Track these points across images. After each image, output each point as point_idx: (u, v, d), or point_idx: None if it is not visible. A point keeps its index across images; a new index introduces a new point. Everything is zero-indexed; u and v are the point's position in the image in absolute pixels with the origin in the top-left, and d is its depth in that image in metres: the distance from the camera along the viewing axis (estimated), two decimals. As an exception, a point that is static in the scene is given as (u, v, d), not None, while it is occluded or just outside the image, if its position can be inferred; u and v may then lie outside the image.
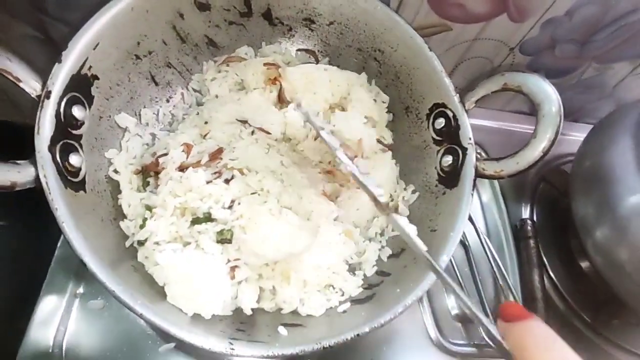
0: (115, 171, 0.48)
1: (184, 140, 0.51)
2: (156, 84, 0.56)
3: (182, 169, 0.48)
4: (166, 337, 0.54)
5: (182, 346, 0.54)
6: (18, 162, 0.37)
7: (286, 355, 0.42)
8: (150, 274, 0.44)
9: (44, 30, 0.65)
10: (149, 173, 0.48)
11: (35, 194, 0.49)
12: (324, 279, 0.48)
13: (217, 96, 0.58)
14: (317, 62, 0.65)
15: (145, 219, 0.45)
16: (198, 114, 0.57)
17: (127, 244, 0.46)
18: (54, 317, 0.53)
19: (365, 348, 0.61)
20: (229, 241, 0.43)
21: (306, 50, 0.64)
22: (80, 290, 0.56)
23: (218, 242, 0.44)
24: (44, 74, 0.42)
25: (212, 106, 0.56)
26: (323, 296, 0.47)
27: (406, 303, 0.43)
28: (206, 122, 0.55)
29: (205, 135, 0.53)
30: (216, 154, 0.50)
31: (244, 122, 0.55)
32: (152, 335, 0.55)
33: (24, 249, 0.77)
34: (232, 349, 0.37)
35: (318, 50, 0.64)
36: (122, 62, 0.50)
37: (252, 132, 0.54)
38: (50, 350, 0.52)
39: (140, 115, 0.55)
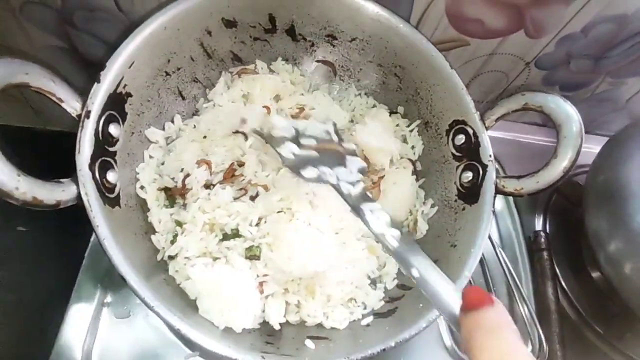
0: (142, 187, 0.50)
1: (188, 158, 0.51)
2: (183, 98, 0.58)
3: (207, 186, 0.50)
4: (191, 346, 0.56)
5: (206, 355, 0.56)
6: (61, 180, 0.38)
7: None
8: (180, 288, 0.46)
9: (69, 41, 0.67)
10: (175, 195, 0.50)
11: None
12: (347, 293, 0.49)
13: (214, 105, 0.58)
14: (335, 74, 0.66)
15: (175, 235, 0.47)
16: (195, 126, 0.56)
17: (159, 257, 0.47)
18: (83, 326, 0.55)
19: (382, 356, 0.62)
20: (257, 257, 0.45)
21: (324, 62, 0.66)
22: (108, 299, 0.57)
23: (247, 258, 0.45)
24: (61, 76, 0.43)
25: (210, 117, 0.56)
26: (346, 309, 0.49)
27: (430, 318, 0.44)
28: (205, 137, 0.55)
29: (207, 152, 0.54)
30: (230, 173, 0.51)
31: (243, 133, 0.55)
32: (176, 344, 0.57)
33: (46, 254, 0.79)
34: (265, 362, 0.38)
35: (339, 65, 0.65)
36: (153, 79, 0.51)
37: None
38: (80, 358, 0.53)
39: (164, 127, 0.56)
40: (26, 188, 0.34)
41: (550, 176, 0.49)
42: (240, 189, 0.49)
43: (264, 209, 0.47)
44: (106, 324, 0.56)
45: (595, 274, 0.75)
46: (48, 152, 0.79)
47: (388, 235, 0.40)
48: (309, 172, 0.45)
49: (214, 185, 0.49)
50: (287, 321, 0.48)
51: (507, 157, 0.82)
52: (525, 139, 0.87)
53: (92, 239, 0.61)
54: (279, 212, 0.47)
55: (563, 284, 0.75)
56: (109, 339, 0.55)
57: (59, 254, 0.75)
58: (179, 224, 0.48)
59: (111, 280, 0.58)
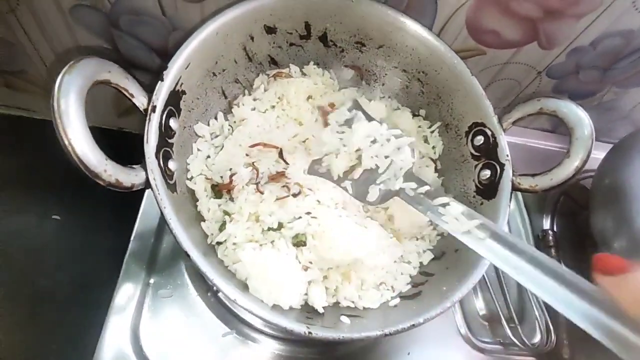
0: (191, 179, 0.55)
1: (236, 161, 0.56)
2: (225, 97, 0.63)
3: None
4: (228, 323, 0.61)
5: (241, 333, 0.61)
6: (134, 166, 0.43)
7: (348, 341, 0.47)
8: (229, 270, 0.51)
9: (112, 42, 0.72)
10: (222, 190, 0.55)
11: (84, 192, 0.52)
12: (379, 278, 0.54)
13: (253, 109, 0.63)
14: (362, 78, 0.71)
15: (224, 222, 0.52)
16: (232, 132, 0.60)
17: (208, 241, 0.52)
18: (130, 305, 0.59)
19: (403, 343, 0.67)
20: (304, 244, 0.50)
21: (352, 67, 0.71)
22: (152, 280, 0.62)
23: (293, 245, 0.50)
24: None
25: (253, 126, 0.61)
26: (377, 292, 0.54)
27: (453, 299, 0.49)
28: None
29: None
30: (277, 176, 0.56)
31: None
32: (214, 322, 0.61)
33: (83, 241, 0.83)
34: (310, 332, 0.43)
35: (366, 70, 0.70)
36: (202, 79, 0.57)
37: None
38: (129, 335, 0.58)
39: (209, 124, 0.61)
40: (112, 171, 0.39)
41: (563, 174, 0.54)
42: (284, 186, 0.54)
43: (306, 204, 0.52)
44: (150, 303, 0.60)
45: (600, 272, 0.80)
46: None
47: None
48: (373, 195, 0.51)
49: (258, 184, 0.54)
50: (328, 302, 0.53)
51: (518, 160, 0.85)
52: (535, 144, 0.92)
53: (136, 226, 0.65)
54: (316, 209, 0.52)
55: (569, 280, 0.80)
56: (154, 318, 0.60)
57: (95, 242, 0.79)
58: (227, 213, 0.53)
59: (155, 263, 0.63)
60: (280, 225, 0.51)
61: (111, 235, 0.75)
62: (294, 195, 0.53)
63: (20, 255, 0.81)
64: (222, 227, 0.52)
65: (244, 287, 0.48)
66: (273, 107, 0.64)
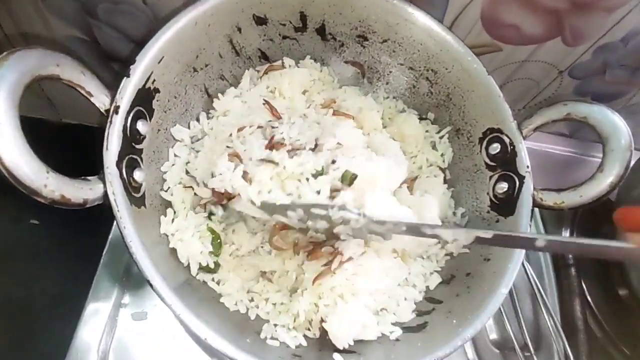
0: (168, 189, 0.48)
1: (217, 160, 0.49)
2: (209, 95, 0.56)
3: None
4: (209, 351, 0.54)
5: (223, 361, 0.54)
6: (88, 178, 0.37)
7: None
8: (204, 289, 0.44)
9: (90, 33, 0.66)
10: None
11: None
12: (379, 304, 0.47)
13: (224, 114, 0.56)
14: (364, 76, 0.64)
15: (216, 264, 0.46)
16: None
17: (194, 273, 0.46)
18: (99, 326, 0.53)
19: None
20: None
21: (353, 63, 0.64)
22: (125, 300, 0.56)
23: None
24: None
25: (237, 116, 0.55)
26: (375, 318, 0.46)
27: (465, 337, 0.42)
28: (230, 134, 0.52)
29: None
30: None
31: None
32: (194, 348, 0.55)
33: (60, 249, 0.78)
34: (294, 377, 0.36)
35: (368, 67, 0.63)
36: (181, 75, 0.50)
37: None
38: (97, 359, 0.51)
39: (190, 126, 0.55)
40: (55, 186, 0.32)
41: (594, 191, 0.47)
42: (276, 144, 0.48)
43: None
44: (123, 324, 0.54)
45: (622, 291, 0.73)
46: (66, 145, 0.78)
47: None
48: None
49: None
50: (314, 334, 0.46)
51: (532, 167, 0.79)
52: (551, 149, 0.85)
53: (110, 236, 0.59)
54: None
55: (590, 301, 0.73)
56: (126, 340, 0.54)
57: (74, 249, 0.74)
58: (213, 232, 0.46)
59: (129, 280, 0.57)
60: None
61: (90, 240, 0.70)
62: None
63: (-5, 263, 0.76)
64: (216, 250, 0.45)
65: (219, 312, 0.41)
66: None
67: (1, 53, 0.32)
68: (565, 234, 0.77)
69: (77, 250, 0.75)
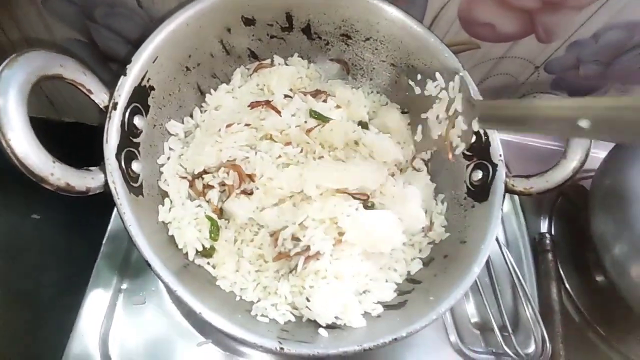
0: (165, 180, 0.51)
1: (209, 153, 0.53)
2: (202, 93, 0.59)
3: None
4: (205, 333, 0.58)
5: (218, 341, 0.58)
6: (90, 168, 0.40)
7: (326, 355, 0.44)
8: (199, 272, 0.47)
9: (88, 35, 0.69)
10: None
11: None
12: (362, 285, 0.50)
13: (216, 108, 0.59)
14: (348, 72, 0.68)
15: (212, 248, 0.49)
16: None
17: (183, 251, 0.49)
18: (100, 311, 0.57)
19: (388, 350, 0.64)
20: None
21: (338, 61, 0.67)
22: (124, 286, 0.59)
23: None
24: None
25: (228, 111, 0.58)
26: (357, 299, 0.50)
27: (439, 311, 0.46)
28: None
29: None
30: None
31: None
32: (189, 331, 0.58)
33: (61, 242, 0.80)
34: (282, 347, 0.40)
35: (352, 64, 0.67)
36: (174, 73, 0.53)
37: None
38: (97, 343, 0.55)
39: (183, 121, 0.58)
40: (60, 174, 0.36)
41: (559, 176, 0.50)
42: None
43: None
44: (122, 310, 0.57)
45: (599, 277, 0.76)
46: (66, 142, 0.81)
47: None
48: None
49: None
50: (300, 314, 0.50)
51: (513, 159, 0.82)
52: (531, 142, 0.88)
53: (109, 228, 0.62)
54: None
55: (567, 285, 0.76)
56: (125, 325, 0.57)
57: (75, 241, 0.76)
58: (210, 220, 0.50)
59: (128, 268, 0.60)
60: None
61: (91, 233, 0.73)
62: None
63: (-1, 256, 0.79)
64: (214, 235, 0.49)
65: (213, 291, 0.45)
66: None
67: (6, 55, 0.35)
68: (545, 221, 0.81)
69: (78, 242, 0.78)
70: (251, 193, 0.52)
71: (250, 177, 0.52)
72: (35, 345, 0.72)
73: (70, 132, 0.88)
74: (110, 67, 0.75)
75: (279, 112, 0.56)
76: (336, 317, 0.47)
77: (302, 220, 0.48)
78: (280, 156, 0.55)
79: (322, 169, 0.53)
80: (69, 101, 0.82)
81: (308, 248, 0.47)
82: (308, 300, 0.47)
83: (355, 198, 0.52)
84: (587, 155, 0.49)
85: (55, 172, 0.35)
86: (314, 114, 0.58)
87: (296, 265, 0.48)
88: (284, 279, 0.49)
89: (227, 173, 0.53)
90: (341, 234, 0.49)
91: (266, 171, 0.52)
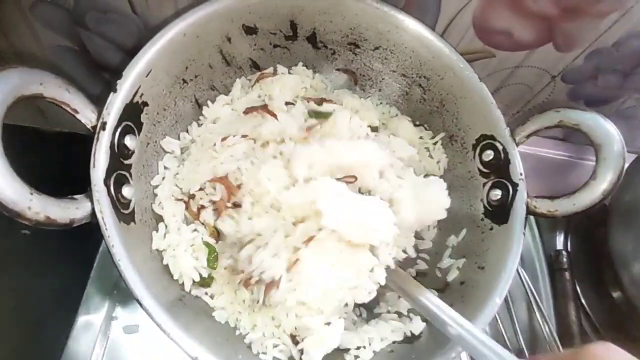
0: (159, 203, 0.47)
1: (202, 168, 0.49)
2: (199, 106, 0.55)
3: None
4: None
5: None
6: (75, 197, 0.36)
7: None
8: (195, 303, 0.43)
9: (79, 42, 0.65)
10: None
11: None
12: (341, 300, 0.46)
13: (214, 121, 0.55)
14: (356, 83, 0.64)
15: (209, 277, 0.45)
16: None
17: (187, 288, 0.45)
18: (91, 339, 0.53)
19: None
20: None
21: (345, 70, 0.63)
22: (116, 313, 0.55)
23: None
24: (75, 84, 0.40)
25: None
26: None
27: (458, 349, 0.42)
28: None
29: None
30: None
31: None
32: (186, 362, 0.54)
33: (51, 260, 0.77)
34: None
35: (360, 74, 0.63)
36: (170, 87, 0.49)
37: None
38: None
39: (179, 137, 0.54)
40: (39, 207, 0.32)
41: (588, 199, 0.46)
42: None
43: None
44: (115, 338, 0.54)
45: (616, 294, 0.74)
46: (57, 154, 0.77)
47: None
48: None
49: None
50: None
51: (526, 171, 0.79)
52: (545, 153, 0.84)
53: (100, 249, 0.59)
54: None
55: (584, 303, 0.73)
56: (118, 354, 0.53)
57: (65, 259, 0.73)
58: (209, 246, 0.46)
59: (120, 293, 0.56)
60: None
61: (83, 251, 0.69)
62: None
63: (-14, 275, 0.75)
64: (212, 263, 0.45)
65: (211, 327, 0.41)
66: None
67: None
68: (560, 237, 0.78)
69: (68, 259, 0.74)
70: (240, 205, 0.47)
71: (239, 188, 0.48)
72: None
73: (62, 142, 0.85)
74: (103, 76, 0.71)
75: (275, 116, 0.51)
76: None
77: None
78: (275, 157, 0.49)
79: (316, 147, 0.46)
80: (60, 110, 0.78)
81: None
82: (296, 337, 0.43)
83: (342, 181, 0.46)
84: (619, 177, 0.45)
85: (33, 205, 0.31)
86: (314, 114, 0.53)
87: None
88: (257, 312, 0.45)
89: (214, 188, 0.48)
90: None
91: (252, 178, 0.47)
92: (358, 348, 0.46)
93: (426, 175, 0.56)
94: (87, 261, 0.62)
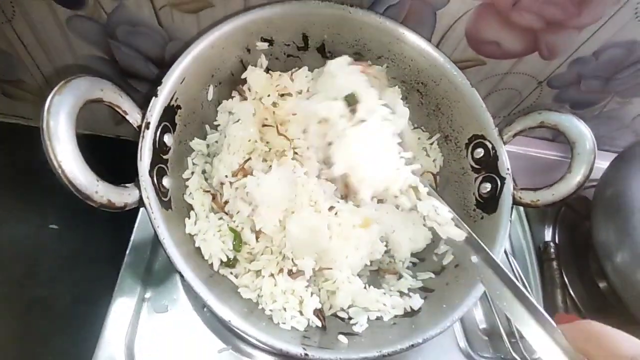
0: (190, 194, 0.54)
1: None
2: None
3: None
4: (225, 339, 0.60)
5: (238, 349, 0.60)
6: (127, 185, 0.43)
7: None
8: (223, 281, 0.50)
9: (109, 52, 0.72)
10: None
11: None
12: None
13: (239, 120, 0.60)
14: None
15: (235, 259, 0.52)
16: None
17: (215, 267, 0.52)
18: (125, 320, 0.59)
19: (400, 357, 0.66)
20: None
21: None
22: (147, 294, 0.61)
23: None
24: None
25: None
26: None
27: (453, 318, 0.48)
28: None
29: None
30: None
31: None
32: (210, 337, 0.60)
33: (80, 251, 0.83)
34: (306, 354, 0.42)
35: (364, 81, 0.69)
36: (198, 92, 0.56)
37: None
38: (123, 351, 0.57)
39: (205, 138, 0.60)
40: (103, 192, 0.38)
41: (565, 189, 0.53)
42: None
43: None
44: (146, 318, 0.60)
45: (602, 284, 0.78)
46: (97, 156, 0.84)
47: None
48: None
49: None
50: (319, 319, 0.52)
51: (519, 170, 0.84)
52: (536, 153, 0.91)
53: (132, 238, 0.65)
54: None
55: (571, 292, 0.78)
56: (149, 333, 0.59)
57: (94, 252, 0.79)
58: (234, 231, 0.52)
59: (150, 277, 0.62)
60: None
61: (109, 244, 0.74)
62: None
63: (17, 265, 0.81)
64: (237, 246, 0.51)
65: (236, 299, 0.47)
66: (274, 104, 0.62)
67: (18, 68, 0.37)
68: (549, 230, 0.84)
69: (94, 253, 0.80)
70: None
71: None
72: (51, 353, 0.74)
73: (84, 144, 0.91)
74: (129, 83, 0.78)
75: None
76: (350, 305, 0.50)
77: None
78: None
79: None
80: (82, 113, 0.85)
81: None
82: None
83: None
84: (591, 170, 0.52)
85: (99, 190, 0.38)
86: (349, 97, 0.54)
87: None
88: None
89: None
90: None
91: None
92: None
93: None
94: (115, 253, 0.67)
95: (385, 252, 0.60)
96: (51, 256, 0.84)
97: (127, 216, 0.69)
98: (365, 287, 0.55)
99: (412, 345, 0.45)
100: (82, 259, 0.82)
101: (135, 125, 0.46)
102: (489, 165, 0.59)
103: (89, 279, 0.75)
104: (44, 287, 0.81)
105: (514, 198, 0.56)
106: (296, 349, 0.42)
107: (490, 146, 0.59)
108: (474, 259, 0.43)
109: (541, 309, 0.39)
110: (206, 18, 0.61)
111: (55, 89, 0.36)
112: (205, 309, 0.60)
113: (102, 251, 0.78)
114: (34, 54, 0.71)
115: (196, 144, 0.56)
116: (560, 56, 0.70)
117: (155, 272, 0.62)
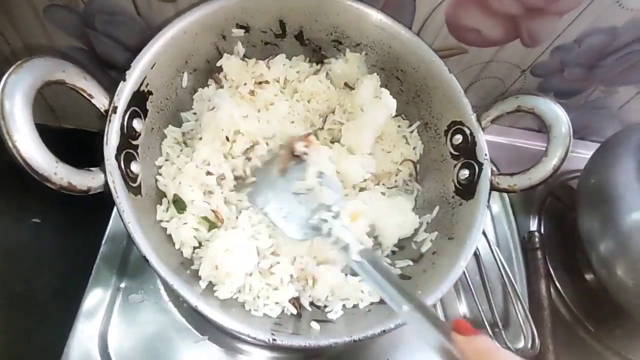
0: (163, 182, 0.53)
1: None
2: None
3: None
4: (202, 330, 0.59)
5: (215, 339, 0.59)
6: (91, 169, 0.42)
7: (315, 348, 0.46)
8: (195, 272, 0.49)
9: (88, 42, 0.71)
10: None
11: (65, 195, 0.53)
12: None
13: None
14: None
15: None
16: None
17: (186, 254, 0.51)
18: (99, 310, 0.58)
19: (381, 347, 0.66)
20: None
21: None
22: (122, 284, 0.61)
23: None
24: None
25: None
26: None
27: (428, 303, 0.47)
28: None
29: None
30: None
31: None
32: (186, 329, 0.60)
33: (60, 244, 0.82)
34: (274, 339, 0.42)
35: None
36: (172, 79, 0.55)
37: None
38: (96, 341, 0.56)
39: (181, 125, 0.60)
40: (63, 174, 0.37)
41: (541, 173, 0.52)
42: None
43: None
44: (121, 308, 0.59)
45: (587, 274, 0.78)
46: (65, 147, 0.83)
47: None
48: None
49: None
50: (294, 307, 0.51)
51: (504, 160, 0.85)
52: (521, 143, 0.90)
53: (108, 228, 0.64)
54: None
55: (556, 282, 0.78)
56: (124, 323, 0.58)
57: (73, 245, 0.78)
58: (208, 220, 0.52)
59: (126, 267, 0.62)
60: None
61: (89, 237, 0.74)
62: None
63: (-2, 260, 0.80)
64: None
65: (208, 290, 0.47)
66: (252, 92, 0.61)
67: (9, 63, 0.38)
68: (534, 220, 0.83)
69: (76, 246, 0.79)
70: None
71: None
72: (32, 347, 0.74)
73: (69, 138, 0.90)
74: (108, 74, 0.77)
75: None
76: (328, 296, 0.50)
77: None
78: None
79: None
80: (68, 107, 0.84)
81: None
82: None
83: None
84: (567, 153, 0.51)
85: (58, 172, 0.37)
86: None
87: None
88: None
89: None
90: None
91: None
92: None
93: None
94: (93, 246, 0.67)
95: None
96: (31, 250, 0.84)
97: (105, 208, 0.69)
98: (345, 276, 0.54)
99: (384, 331, 0.45)
100: (62, 252, 0.82)
101: (102, 110, 0.45)
102: (467, 152, 0.59)
103: (68, 272, 0.75)
104: (25, 283, 0.81)
105: (491, 183, 0.55)
106: (264, 335, 0.42)
107: (468, 132, 0.58)
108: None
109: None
110: (184, 6, 0.60)
111: (11, 69, 0.36)
112: (181, 299, 0.59)
113: (81, 243, 0.77)
114: (13, 44, 0.71)
115: (170, 131, 0.56)
116: (543, 43, 0.69)
117: (132, 262, 0.62)
